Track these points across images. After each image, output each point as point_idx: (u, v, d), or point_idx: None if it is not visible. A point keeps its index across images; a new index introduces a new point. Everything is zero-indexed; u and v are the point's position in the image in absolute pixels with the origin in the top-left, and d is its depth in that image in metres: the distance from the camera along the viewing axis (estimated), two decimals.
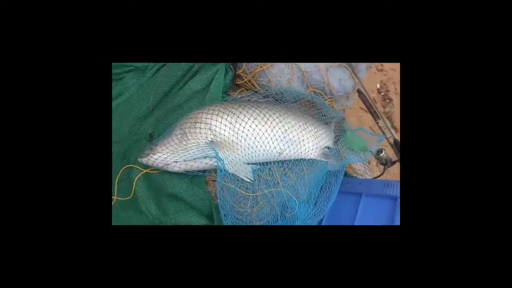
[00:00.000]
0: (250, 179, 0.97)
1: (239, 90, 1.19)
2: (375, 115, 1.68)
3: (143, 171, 1.03)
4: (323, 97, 1.25)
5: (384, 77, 2.59)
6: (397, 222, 0.95)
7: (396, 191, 1.07)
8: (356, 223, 1.00)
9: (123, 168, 1.04)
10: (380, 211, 1.06)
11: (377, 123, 1.68)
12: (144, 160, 0.99)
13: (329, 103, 1.28)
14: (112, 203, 1.02)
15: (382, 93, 2.55)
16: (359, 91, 1.47)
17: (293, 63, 1.17)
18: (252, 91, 1.17)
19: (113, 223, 1.00)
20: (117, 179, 1.03)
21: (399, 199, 1.02)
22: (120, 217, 1.01)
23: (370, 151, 1.29)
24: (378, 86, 2.58)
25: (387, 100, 2.55)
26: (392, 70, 2.73)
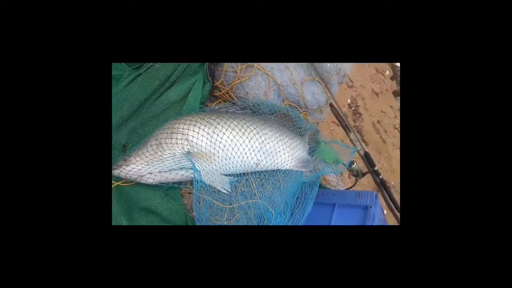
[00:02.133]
0: (227, 190, 0.96)
1: (216, 101, 1.19)
2: (346, 128, 1.76)
3: (114, 184, 0.98)
4: (298, 110, 1.29)
5: (354, 93, 2.74)
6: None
7: (367, 201, 1.12)
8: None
9: None
10: (353, 220, 1.09)
11: (348, 136, 1.76)
12: (116, 172, 0.94)
13: (304, 116, 1.33)
14: None
15: (353, 108, 2.68)
16: (331, 105, 1.54)
17: (269, 77, 1.20)
18: (230, 102, 1.18)
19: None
20: None
21: (370, 208, 1.07)
22: None
23: (343, 163, 1.34)
24: (349, 101, 2.73)
25: (357, 115, 2.69)
26: (361, 87, 2.91)
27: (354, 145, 1.66)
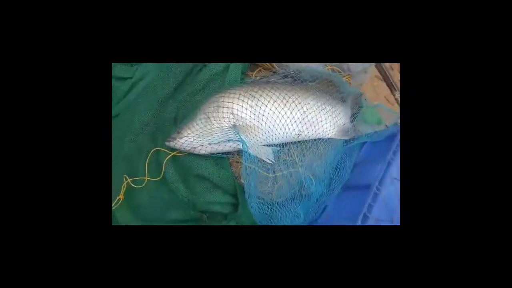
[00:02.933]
0: (271, 160, 1.03)
1: (257, 70, 1.19)
2: (391, 86, 1.66)
3: (170, 154, 1.10)
4: (341, 74, 1.25)
5: None
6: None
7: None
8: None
9: (151, 151, 1.12)
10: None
11: (394, 95, 1.67)
12: (171, 144, 1.05)
13: (347, 79, 1.28)
14: (144, 184, 1.11)
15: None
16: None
17: None
18: (270, 71, 1.18)
19: (147, 201, 1.10)
20: (147, 161, 1.11)
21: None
22: (154, 196, 1.10)
23: (386, 125, 1.31)
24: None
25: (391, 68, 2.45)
26: None
27: (399, 104, 1.58)
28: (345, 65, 1.24)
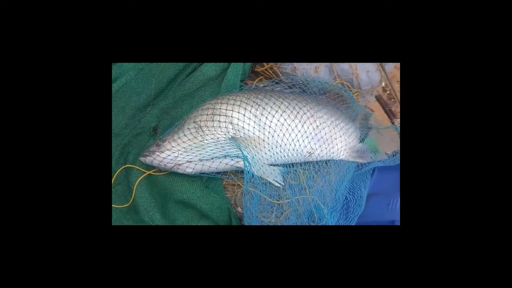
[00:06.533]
0: (280, 184, 0.81)
1: (257, 79, 1.02)
2: (390, 114, 1.57)
3: (145, 172, 0.84)
4: (351, 90, 1.11)
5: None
6: None
7: None
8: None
9: (120, 169, 0.85)
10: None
11: (393, 123, 1.58)
12: (148, 160, 0.80)
13: (355, 97, 1.15)
14: None
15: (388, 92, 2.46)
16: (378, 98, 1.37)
17: None
18: (273, 80, 1.01)
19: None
20: (112, 182, 0.84)
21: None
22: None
23: (386, 153, 1.18)
24: (383, 84, 2.50)
25: (392, 100, 2.48)
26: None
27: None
28: (355, 80, 1.11)
